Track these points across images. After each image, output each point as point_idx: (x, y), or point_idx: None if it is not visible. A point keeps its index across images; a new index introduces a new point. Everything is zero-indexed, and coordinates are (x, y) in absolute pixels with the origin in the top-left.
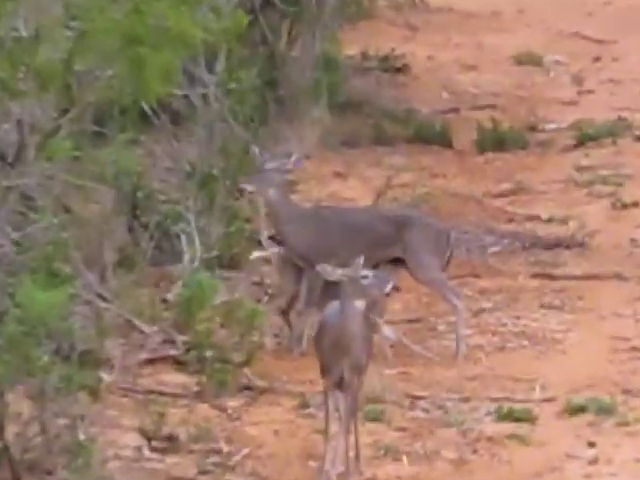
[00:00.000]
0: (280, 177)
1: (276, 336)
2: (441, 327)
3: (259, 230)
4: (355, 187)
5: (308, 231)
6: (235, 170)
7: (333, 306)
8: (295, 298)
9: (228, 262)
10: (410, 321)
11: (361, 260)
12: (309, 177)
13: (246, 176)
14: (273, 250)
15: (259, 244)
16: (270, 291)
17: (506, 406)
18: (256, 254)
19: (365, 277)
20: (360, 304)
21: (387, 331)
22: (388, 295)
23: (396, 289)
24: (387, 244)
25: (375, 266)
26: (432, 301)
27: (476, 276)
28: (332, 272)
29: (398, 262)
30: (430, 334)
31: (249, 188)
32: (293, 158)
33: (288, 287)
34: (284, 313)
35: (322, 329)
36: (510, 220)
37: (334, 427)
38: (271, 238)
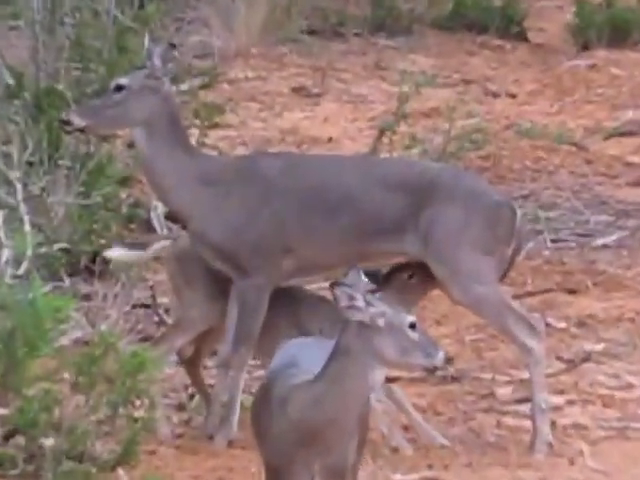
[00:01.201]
0: (161, 97)
1: (180, 410)
2: (502, 392)
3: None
4: (333, 115)
5: (234, 204)
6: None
7: (298, 350)
8: (211, 335)
9: (87, 264)
10: (444, 378)
11: (359, 276)
12: (245, 96)
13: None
14: (162, 243)
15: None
16: (167, 319)
17: None
18: (115, 254)
19: (380, 315)
20: (379, 375)
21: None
22: None
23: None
24: (393, 230)
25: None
26: (482, 340)
27: (571, 292)
28: (357, 304)
29: (410, 267)
30: (473, 402)
31: (76, 123)
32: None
33: (194, 313)
34: (190, 365)
35: (274, 399)
36: (639, 182)
37: None
38: (170, 218)
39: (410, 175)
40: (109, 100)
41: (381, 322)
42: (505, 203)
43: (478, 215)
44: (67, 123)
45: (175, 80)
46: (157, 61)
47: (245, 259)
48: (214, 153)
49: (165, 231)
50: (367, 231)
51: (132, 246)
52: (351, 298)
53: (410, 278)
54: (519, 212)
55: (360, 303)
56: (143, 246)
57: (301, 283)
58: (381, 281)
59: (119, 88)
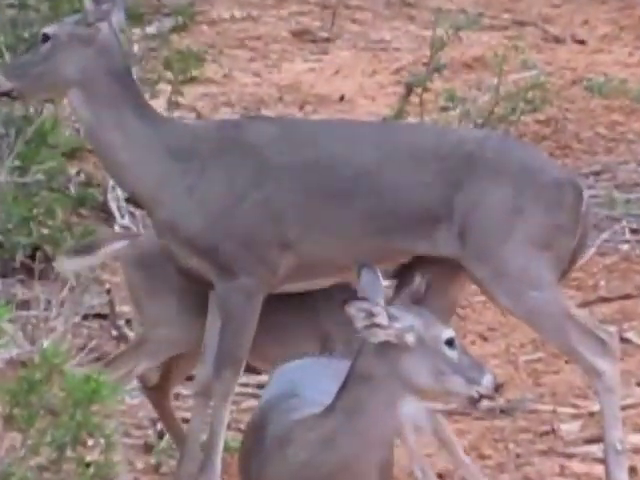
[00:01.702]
0: (96, 49)
1: (146, 452)
2: (566, 429)
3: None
4: (346, 67)
5: (214, 184)
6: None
7: (300, 375)
8: (185, 356)
9: (25, 261)
10: (490, 411)
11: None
12: (232, 43)
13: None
14: (118, 244)
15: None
16: (128, 333)
17: None
18: (64, 266)
19: (408, 330)
20: (409, 407)
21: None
22: None
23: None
24: (421, 220)
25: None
26: (540, 360)
27: None
28: (379, 321)
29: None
30: (530, 442)
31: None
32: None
33: (162, 333)
34: (156, 393)
35: (270, 437)
36: None
37: None
38: (134, 202)
39: (443, 146)
40: (36, 55)
41: (410, 339)
42: (568, 182)
43: (532, 198)
44: None
45: (138, 21)
46: (89, 1)
47: (230, 256)
48: (190, 117)
49: (126, 219)
50: (387, 221)
51: (81, 251)
52: (370, 315)
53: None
54: (586, 193)
55: (383, 320)
56: (94, 248)
57: (303, 288)
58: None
59: (45, 39)
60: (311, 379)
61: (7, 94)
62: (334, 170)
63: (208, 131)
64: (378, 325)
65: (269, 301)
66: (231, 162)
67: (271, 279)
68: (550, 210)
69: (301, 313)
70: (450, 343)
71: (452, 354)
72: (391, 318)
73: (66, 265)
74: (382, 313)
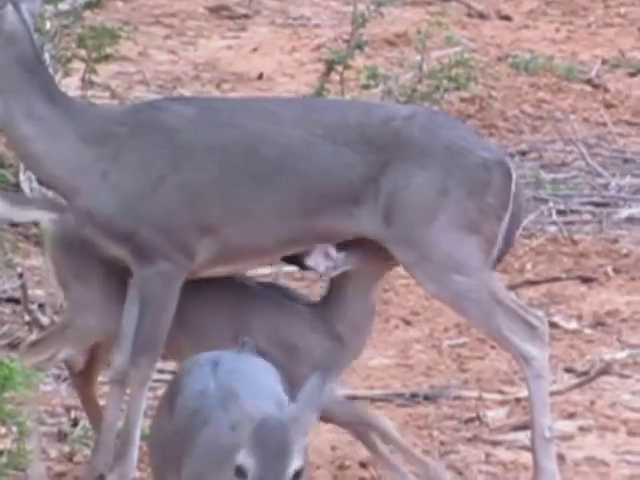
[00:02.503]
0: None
1: (60, 440)
2: (492, 416)
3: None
4: (265, 43)
5: (129, 167)
6: None
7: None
8: (103, 346)
9: None
10: (413, 397)
11: None
12: (147, 19)
13: None
14: (45, 214)
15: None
16: (41, 318)
17: None
18: None
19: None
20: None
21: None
22: None
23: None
24: (344, 201)
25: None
26: (465, 345)
27: (585, 281)
28: None
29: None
30: (454, 430)
31: None
32: None
33: (89, 317)
34: (82, 380)
35: (184, 427)
36: None
37: None
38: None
39: (368, 124)
40: None
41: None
42: (497, 162)
43: (458, 180)
44: None
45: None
46: None
47: (147, 241)
48: (105, 95)
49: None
50: (310, 203)
51: (16, 202)
52: None
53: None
54: (515, 174)
55: None
56: (29, 204)
57: (224, 272)
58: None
59: None
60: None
61: None
62: (254, 150)
63: (122, 114)
64: None
65: (187, 297)
66: (146, 145)
67: (190, 264)
68: (477, 192)
69: (220, 312)
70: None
71: None
72: None
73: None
74: None
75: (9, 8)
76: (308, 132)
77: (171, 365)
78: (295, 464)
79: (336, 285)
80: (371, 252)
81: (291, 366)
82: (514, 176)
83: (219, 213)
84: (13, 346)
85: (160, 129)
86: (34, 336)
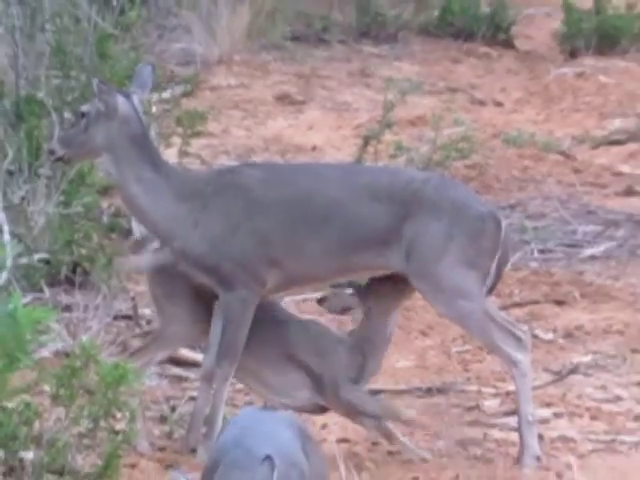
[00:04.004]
0: (118, 121)
1: (162, 422)
2: (488, 405)
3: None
4: (317, 123)
5: (213, 217)
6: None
7: (247, 424)
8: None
9: (68, 275)
10: (429, 391)
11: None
12: (228, 104)
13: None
14: (146, 256)
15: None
16: (149, 330)
17: None
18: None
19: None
20: None
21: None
22: None
23: None
24: (377, 243)
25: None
26: (468, 351)
27: (558, 303)
28: None
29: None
30: (459, 415)
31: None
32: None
33: (175, 329)
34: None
35: None
36: (628, 192)
37: None
38: None
39: (395, 185)
40: (77, 128)
41: None
42: (490, 215)
43: (461, 228)
44: (52, 152)
45: (156, 88)
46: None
47: (228, 273)
48: (196, 162)
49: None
50: (352, 243)
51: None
52: None
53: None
54: (504, 223)
55: None
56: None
57: (289, 295)
58: (356, 290)
59: (82, 115)
60: (254, 430)
61: (61, 159)
62: (309, 204)
63: (208, 176)
64: None
65: (254, 322)
66: (227, 200)
67: (262, 290)
68: (475, 238)
69: (271, 333)
70: None
71: None
72: None
73: (124, 264)
74: None
75: (120, 98)
76: (349, 190)
77: None
78: None
79: (363, 318)
80: (383, 293)
81: (327, 372)
82: (503, 225)
83: (282, 251)
84: (126, 352)
85: (237, 188)
86: (137, 344)
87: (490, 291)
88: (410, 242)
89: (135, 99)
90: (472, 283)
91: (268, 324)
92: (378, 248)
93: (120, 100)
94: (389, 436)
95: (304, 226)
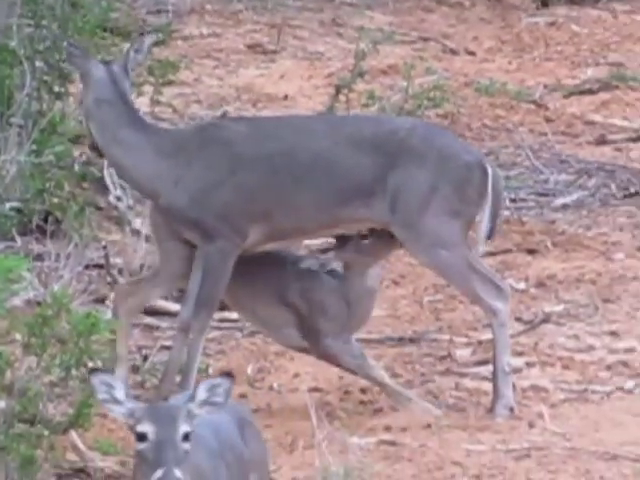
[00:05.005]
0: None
1: (134, 372)
2: (460, 354)
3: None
4: (289, 72)
5: (197, 174)
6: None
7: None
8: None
9: (40, 224)
10: (401, 340)
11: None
12: (200, 53)
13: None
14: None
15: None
16: (120, 279)
17: None
18: None
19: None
20: None
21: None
22: None
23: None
24: (363, 194)
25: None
26: (440, 301)
27: (530, 252)
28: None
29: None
30: (431, 364)
31: None
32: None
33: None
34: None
35: None
36: (600, 141)
37: None
38: None
39: (380, 135)
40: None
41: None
42: (476, 164)
43: (447, 178)
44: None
45: (127, 37)
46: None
47: (211, 226)
48: (168, 111)
49: (118, 190)
50: (336, 195)
51: None
52: (110, 387)
53: (364, 239)
54: (491, 170)
55: (120, 395)
56: None
57: (272, 248)
58: (335, 245)
59: None
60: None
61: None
62: (292, 157)
63: (191, 132)
64: (115, 399)
65: (245, 263)
66: (210, 154)
67: (242, 243)
68: (461, 187)
69: (268, 274)
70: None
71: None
72: (128, 396)
73: None
74: (121, 389)
75: (93, 63)
76: (333, 142)
77: (218, 315)
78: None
79: (344, 269)
80: (360, 249)
81: (312, 317)
82: (490, 172)
83: (265, 206)
84: (98, 301)
85: (220, 142)
86: (129, 279)
87: (489, 237)
88: (395, 192)
89: (115, 67)
90: (455, 233)
91: (265, 259)
92: (363, 199)
93: (93, 65)
94: (381, 384)
95: (288, 179)
